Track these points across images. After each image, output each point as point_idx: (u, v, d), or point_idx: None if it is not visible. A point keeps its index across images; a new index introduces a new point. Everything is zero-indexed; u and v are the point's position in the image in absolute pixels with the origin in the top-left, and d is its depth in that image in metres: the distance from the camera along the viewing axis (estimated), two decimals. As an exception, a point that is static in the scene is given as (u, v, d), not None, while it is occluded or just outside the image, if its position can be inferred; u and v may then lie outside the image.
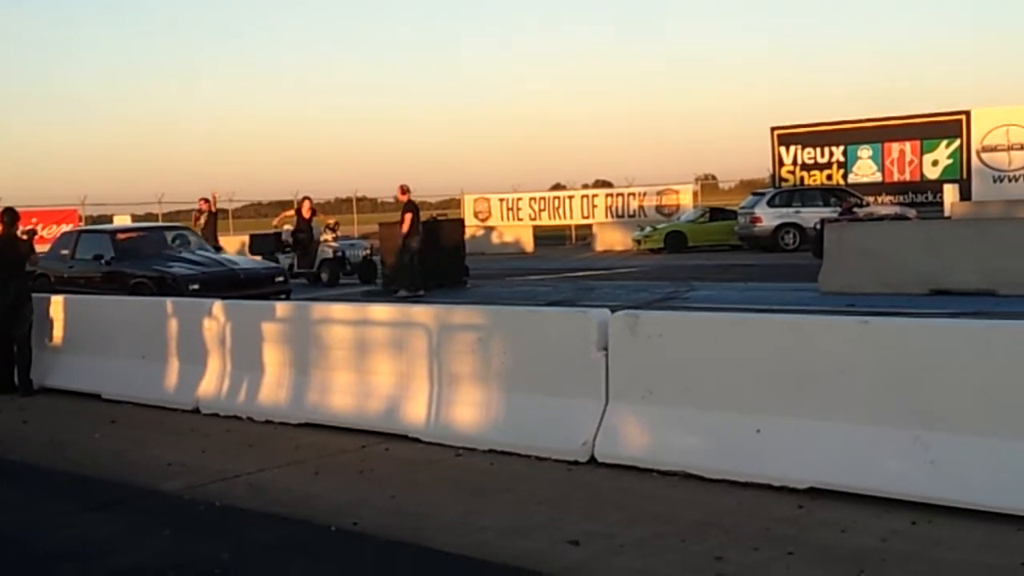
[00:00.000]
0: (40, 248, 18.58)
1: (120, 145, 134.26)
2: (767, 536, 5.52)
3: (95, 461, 8.05)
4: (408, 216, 20.19)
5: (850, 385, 6.26)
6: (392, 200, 59.69)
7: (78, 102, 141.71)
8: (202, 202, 24.04)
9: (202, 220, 22.95)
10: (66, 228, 38.21)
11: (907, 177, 34.09)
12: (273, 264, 20.04)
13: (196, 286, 16.33)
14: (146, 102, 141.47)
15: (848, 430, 6.21)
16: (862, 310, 11.69)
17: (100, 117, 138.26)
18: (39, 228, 30.05)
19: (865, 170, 34.79)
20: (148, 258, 17.74)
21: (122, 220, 37.11)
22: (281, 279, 18.27)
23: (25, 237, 11.87)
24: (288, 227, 24.71)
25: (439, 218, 22.57)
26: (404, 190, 20.82)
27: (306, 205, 24.45)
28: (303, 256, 23.62)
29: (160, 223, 25.16)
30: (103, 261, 17.56)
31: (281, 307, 9.76)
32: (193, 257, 18.10)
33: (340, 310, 9.60)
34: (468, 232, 26.74)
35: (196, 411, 9.66)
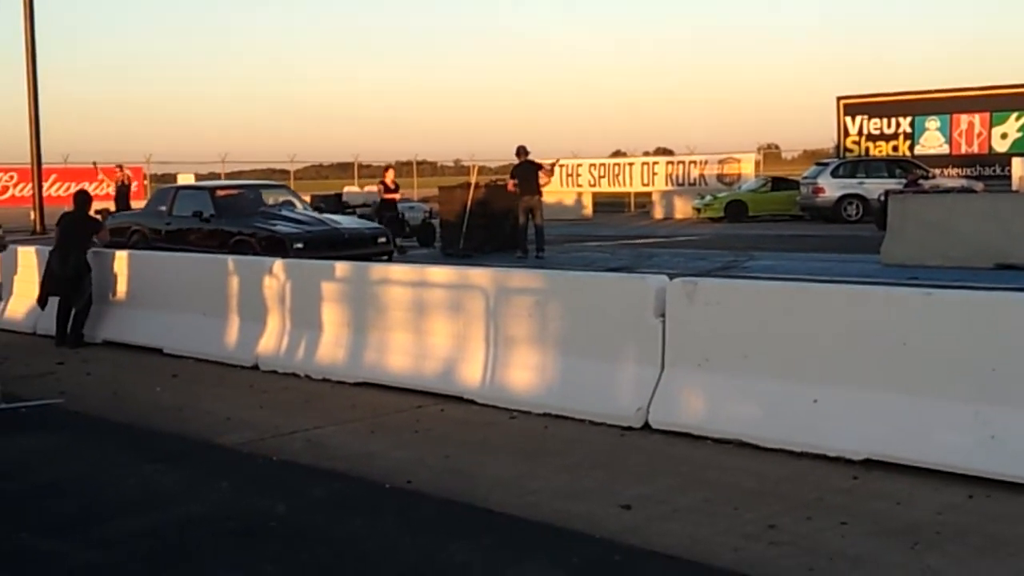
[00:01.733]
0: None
1: (185, 104, 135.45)
2: (821, 506, 5.50)
3: (156, 414, 8.18)
4: (512, 180, 20.14)
5: (911, 357, 6.19)
6: (452, 164, 60.06)
7: (144, 61, 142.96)
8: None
9: (111, 189, 22.75)
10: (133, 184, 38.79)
11: (975, 150, 33.47)
12: (376, 225, 19.38)
13: (300, 245, 15.93)
14: (209, 62, 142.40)
15: (907, 402, 6.14)
16: (925, 283, 11.53)
17: (166, 76, 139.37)
18: (106, 185, 30.61)
19: (932, 142, 34.21)
20: (249, 216, 17.30)
21: (186, 178, 37.59)
22: (384, 240, 17.67)
23: (98, 217, 12.19)
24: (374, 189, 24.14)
25: (498, 183, 22.50)
26: (519, 152, 20.35)
27: (390, 175, 22.70)
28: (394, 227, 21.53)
29: (259, 181, 24.63)
30: (202, 218, 17.21)
31: (341, 267, 9.82)
32: (295, 216, 17.64)
33: (399, 271, 9.65)
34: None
35: (255, 368, 9.78)
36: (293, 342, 9.66)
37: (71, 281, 11.50)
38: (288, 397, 8.69)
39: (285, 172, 49.74)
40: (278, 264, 10.13)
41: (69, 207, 12.36)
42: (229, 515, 5.71)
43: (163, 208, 18.39)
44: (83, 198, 12.09)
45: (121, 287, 11.80)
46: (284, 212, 17.82)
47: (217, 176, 42.77)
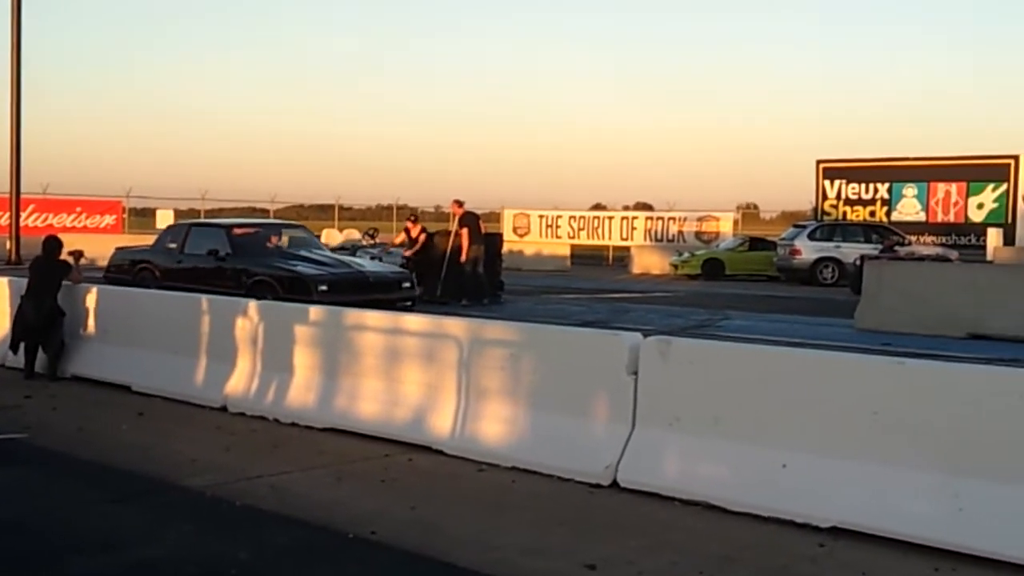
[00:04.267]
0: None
1: (163, 139, 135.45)
2: (786, 573, 5.47)
3: (121, 452, 8.08)
4: (465, 230, 20.52)
5: (881, 426, 6.19)
6: (432, 210, 60.08)
7: (124, 94, 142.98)
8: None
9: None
10: (109, 219, 38.75)
11: (951, 218, 33.88)
12: (400, 268, 19.04)
13: (325, 287, 15.50)
14: (188, 97, 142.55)
15: (876, 471, 6.13)
16: (898, 350, 11.58)
17: (144, 110, 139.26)
18: (84, 216, 30.49)
19: (909, 209, 34.60)
20: (266, 255, 16.89)
21: (165, 214, 37.54)
22: (408, 284, 17.27)
23: (71, 258, 12.11)
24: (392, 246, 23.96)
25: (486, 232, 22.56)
26: (459, 204, 21.42)
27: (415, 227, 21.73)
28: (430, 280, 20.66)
29: (275, 220, 24.44)
30: (218, 256, 16.77)
31: (315, 310, 9.78)
32: (315, 256, 17.20)
33: (373, 317, 9.59)
34: (505, 247, 26.72)
35: (224, 409, 9.69)
36: (263, 384, 9.59)
37: (44, 328, 11.55)
38: (255, 440, 8.62)
39: (265, 211, 49.71)
40: (253, 305, 10.08)
41: (43, 243, 12.24)
42: (190, 559, 5.63)
43: (174, 245, 17.92)
44: (52, 244, 12.08)
45: (91, 322, 11.71)
46: (303, 252, 17.37)
47: (197, 213, 42.69)
